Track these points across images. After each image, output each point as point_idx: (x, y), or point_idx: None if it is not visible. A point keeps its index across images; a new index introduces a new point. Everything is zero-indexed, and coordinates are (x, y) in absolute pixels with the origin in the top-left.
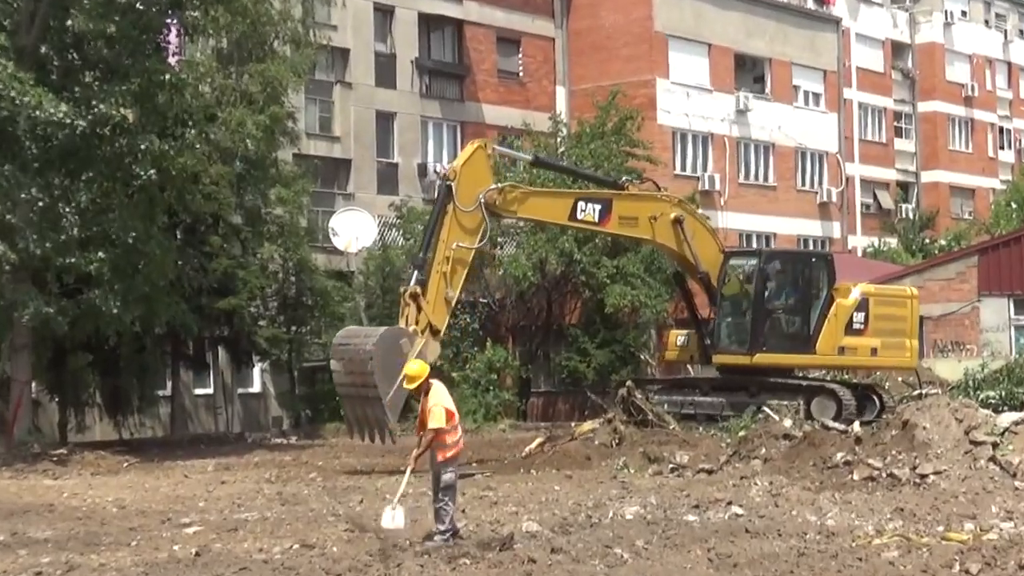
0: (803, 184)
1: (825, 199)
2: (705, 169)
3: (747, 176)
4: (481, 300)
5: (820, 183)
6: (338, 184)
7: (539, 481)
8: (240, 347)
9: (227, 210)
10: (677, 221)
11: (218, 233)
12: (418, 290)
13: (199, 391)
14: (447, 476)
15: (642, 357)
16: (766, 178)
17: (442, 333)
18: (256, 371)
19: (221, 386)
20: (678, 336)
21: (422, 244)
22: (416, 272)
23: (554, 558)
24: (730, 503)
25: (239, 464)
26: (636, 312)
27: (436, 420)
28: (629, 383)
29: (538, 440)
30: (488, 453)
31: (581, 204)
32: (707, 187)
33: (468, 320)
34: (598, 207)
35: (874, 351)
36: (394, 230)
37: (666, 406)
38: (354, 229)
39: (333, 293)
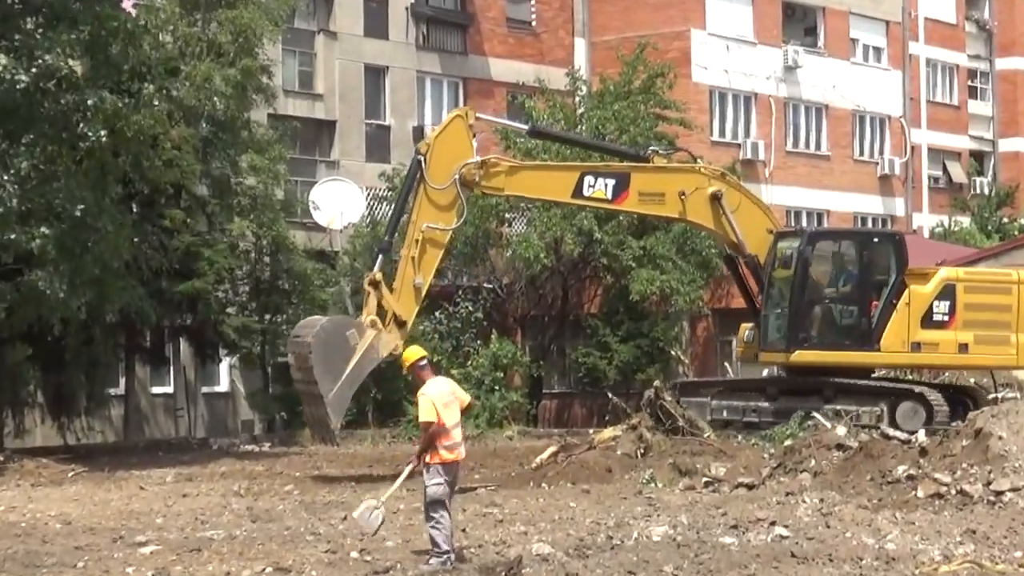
0: (861, 153)
1: (886, 171)
2: (747, 135)
3: (796, 143)
4: (486, 285)
5: (881, 152)
6: (320, 150)
7: (552, 496)
8: (205, 339)
9: (191, 179)
10: (715, 197)
11: (180, 206)
12: (380, 277)
13: (157, 390)
14: (431, 488)
15: (672, 353)
16: (818, 146)
17: (410, 324)
18: (223, 367)
19: (183, 384)
20: (746, 330)
21: (387, 226)
22: (380, 256)
23: None
24: (774, 523)
25: (203, 474)
26: (666, 300)
27: (420, 412)
28: (657, 384)
29: (551, 449)
30: (493, 463)
31: (589, 179)
32: (749, 156)
33: (470, 308)
34: (611, 182)
35: (963, 347)
36: (385, 203)
37: (725, 413)
38: (339, 202)
39: (314, 276)
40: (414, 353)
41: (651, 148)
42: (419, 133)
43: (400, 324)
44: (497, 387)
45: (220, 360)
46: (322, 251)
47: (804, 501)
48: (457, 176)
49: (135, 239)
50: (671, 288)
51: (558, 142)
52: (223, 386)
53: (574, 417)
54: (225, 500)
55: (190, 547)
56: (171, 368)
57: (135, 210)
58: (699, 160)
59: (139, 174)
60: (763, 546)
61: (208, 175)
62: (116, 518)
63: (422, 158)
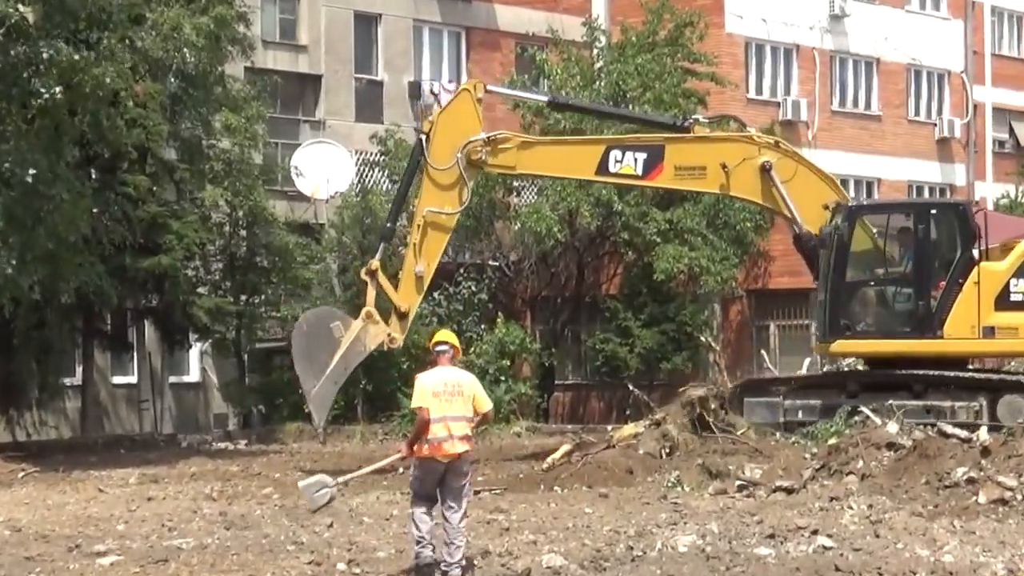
0: (916, 114)
1: (945, 133)
2: (787, 93)
3: (843, 102)
4: (491, 263)
5: (939, 112)
6: (304, 109)
7: (565, 501)
8: (173, 322)
9: (157, 141)
10: (765, 168)
11: (145, 172)
12: (376, 266)
13: (118, 379)
14: (410, 481)
15: (702, 339)
16: (868, 105)
17: (411, 316)
18: (194, 354)
19: (148, 373)
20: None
21: (389, 211)
22: (382, 245)
23: None
24: (816, 532)
25: (170, 475)
26: (695, 280)
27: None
28: (702, 392)
29: (564, 448)
30: (498, 464)
31: (615, 153)
32: (789, 116)
33: (473, 289)
34: (641, 156)
35: None
36: (377, 170)
37: (800, 413)
38: (324, 168)
39: (296, 252)
40: (435, 335)
41: (693, 117)
42: (415, 89)
43: (401, 316)
44: (503, 377)
45: (190, 346)
46: (306, 224)
47: (850, 507)
48: (460, 155)
49: (94, 209)
50: (700, 266)
51: (584, 114)
52: (193, 376)
53: (590, 412)
54: (195, 504)
55: (155, 557)
56: (134, 355)
57: (94, 176)
58: (749, 129)
59: (98, 135)
60: (803, 558)
61: (177, 137)
62: (72, 524)
63: (424, 137)
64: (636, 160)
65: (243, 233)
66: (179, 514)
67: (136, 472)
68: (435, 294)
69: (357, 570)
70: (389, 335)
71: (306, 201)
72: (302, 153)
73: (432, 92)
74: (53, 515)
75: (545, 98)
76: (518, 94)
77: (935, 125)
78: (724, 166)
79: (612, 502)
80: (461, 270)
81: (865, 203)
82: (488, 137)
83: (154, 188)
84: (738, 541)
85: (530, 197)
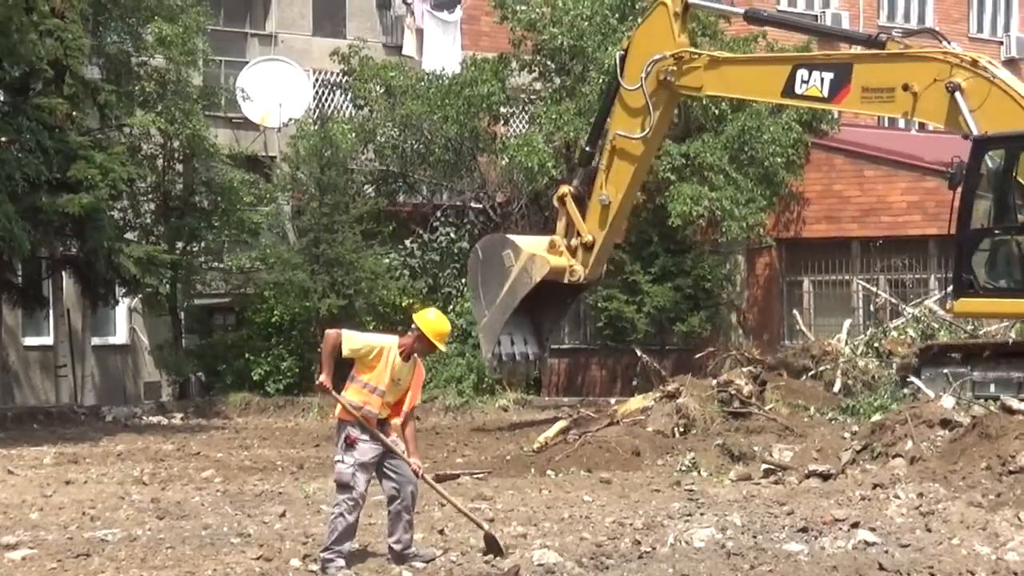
0: (979, 30)
1: (1014, 53)
2: (826, 5)
3: (892, 16)
4: (473, 205)
5: (1006, 29)
6: (252, 20)
7: (560, 487)
8: (96, 274)
9: (77, 57)
10: (949, 90)
11: (63, 94)
12: (567, 190)
13: (31, 341)
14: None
15: (723, 297)
16: (922, 19)
17: (599, 247)
18: (120, 311)
19: (66, 334)
20: None
21: (589, 134)
22: (580, 170)
23: None
24: (856, 525)
25: (93, 455)
26: (715, 227)
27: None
28: (750, 370)
29: (559, 424)
30: (482, 443)
31: (802, 72)
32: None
33: (452, 236)
34: (828, 76)
35: None
36: (338, 92)
37: (992, 387)
38: (276, 91)
39: (242, 191)
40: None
41: (889, 32)
42: None
43: (586, 247)
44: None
45: (116, 302)
46: (253, 156)
47: (897, 496)
48: (644, 74)
49: (2, 138)
50: (722, 210)
51: (782, 27)
52: (120, 337)
53: (590, 382)
54: (123, 489)
55: (75, 551)
56: (50, 312)
57: (1, 99)
58: (950, 44)
59: (6, 50)
60: (842, 555)
61: (101, 52)
62: None
63: (621, 54)
64: (823, 80)
65: (179, 168)
66: (103, 500)
67: (52, 451)
68: (407, 242)
69: (314, 567)
70: (571, 267)
71: (255, 130)
72: (250, 73)
73: (405, 1)
74: None
75: (741, 11)
76: (715, 6)
77: (1001, 43)
78: (907, 87)
79: (616, 489)
80: (438, 213)
81: (991, 135)
82: (675, 55)
83: (74, 113)
84: (764, 535)
85: (520, 126)
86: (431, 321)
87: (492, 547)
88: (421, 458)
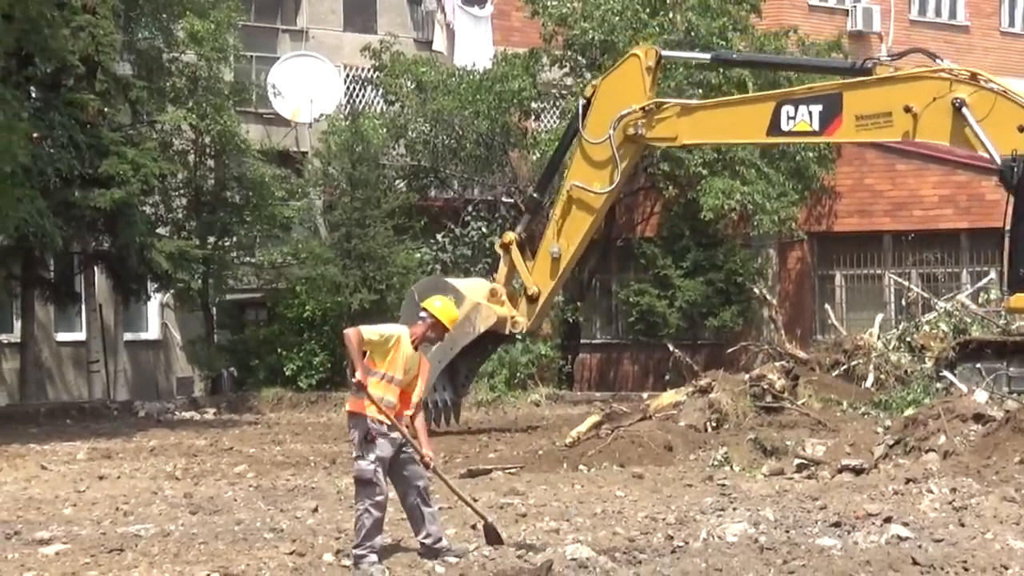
0: (1011, 24)
1: None
2: None
3: (923, 10)
4: (504, 199)
5: None
6: (283, 15)
7: (592, 482)
8: (128, 269)
9: (109, 54)
10: (955, 106)
11: (95, 90)
12: (512, 238)
13: (64, 336)
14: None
15: (755, 291)
16: (953, 13)
17: (543, 300)
18: (152, 307)
19: (99, 330)
20: None
21: (537, 180)
22: (525, 216)
23: None
24: (889, 520)
25: (126, 450)
26: (747, 221)
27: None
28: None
29: (592, 419)
30: (515, 438)
31: (787, 109)
32: (860, 26)
33: (483, 230)
34: (816, 108)
35: None
36: (369, 88)
37: None
38: (308, 87)
39: (274, 186)
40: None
41: (876, 57)
42: None
43: (530, 299)
44: (520, 336)
45: (148, 298)
46: (285, 152)
47: (930, 491)
48: (612, 131)
49: (33, 134)
50: (754, 204)
51: (750, 68)
52: (152, 333)
53: (622, 376)
54: (156, 484)
55: (108, 546)
56: (83, 308)
57: (33, 95)
58: (940, 61)
59: (38, 46)
60: (875, 550)
61: (132, 48)
62: (10, 507)
63: (584, 102)
64: (811, 114)
65: (211, 163)
66: (136, 495)
67: (85, 446)
68: (439, 236)
69: (347, 562)
70: (513, 318)
71: (286, 125)
72: (281, 68)
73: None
74: None
75: (707, 56)
76: (686, 55)
77: None
78: (908, 109)
79: (648, 483)
80: (469, 208)
81: None
82: (644, 107)
83: (105, 109)
84: (797, 530)
85: (551, 121)
86: (442, 308)
87: (492, 537)
88: (433, 450)
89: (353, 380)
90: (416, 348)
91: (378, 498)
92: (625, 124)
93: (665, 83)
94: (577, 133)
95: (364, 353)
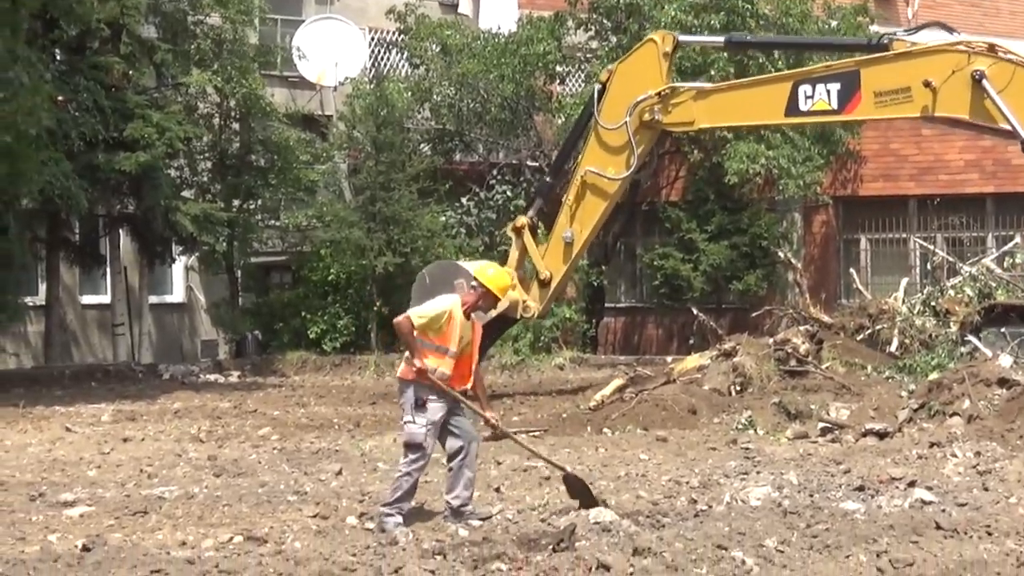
0: None
1: None
2: None
3: None
4: (529, 163)
5: None
6: None
7: (616, 445)
8: (153, 232)
9: (134, 17)
10: (975, 79)
11: (120, 53)
12: (525, 222)
13: (89, 299)
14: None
15: (780, 255)
16: None
17: (555, 285)
18: (177, 270)
19: (123, 292)
20: None
21: (552, 165)
22: (537, 200)
23: (638, 563)
24: (913, 484)
25: (150, 412)
26: (772, 185)
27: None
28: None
29: (615, 383)
30: (539, 402)
31: (805, 88)
32: None
33: (508, 194)
34: (834, 87)
35: None
36: (394, 51)
37: None
38: (332, 50)
39: (298, 149)
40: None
41: (893, 33)
42: None
43: (542, 283)
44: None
45: (173, 260)
46: (310, 115)
47: (954, 455)
48: (628, 116)
49: (59, 97)
50: (779, 168)
51: (765, 50)
52: (177, 295)
53: (646, 340)
54: (180, 447)
55: (133, 508)
56: (107, 271)
57: (58, 58)
58: (957, 34)
59: (63, 10)
60: (898, 514)
61: (157, 11)
62: (35, 469)
63: (599, 87)
64: (829, 92)
65: (236, 126)
66: (160, 458)
67: (110, 408)
68: (463, 200)
69: (370, 525)
70: (524, 302)
71: (311, 89)
72: (306, 31)
73: None
74: (12, 458)
75: (721, 40)
76: (702, 39)
77: None
78: (927, 84)
79: (672, 447)
80: (494, 171)
81: None
82: (659, 93)
83: (130, 72)
84: (821, 494)
85: (576, 85)
86: (493, 276)
87: (576, 491)
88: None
89: (415, 366)
90: (468, 317)
91: (422, 463)
92: (641, 110)
93: (684, 65)
94: (592, 118)
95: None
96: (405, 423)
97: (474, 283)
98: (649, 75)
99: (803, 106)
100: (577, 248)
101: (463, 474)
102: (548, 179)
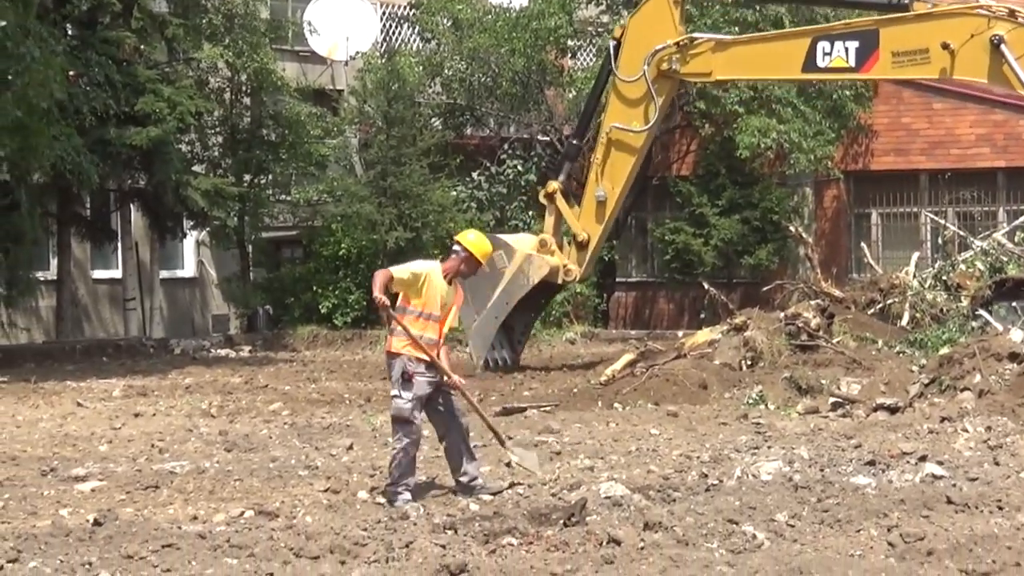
0: None
1: None
2: None
3: None
4: (540, 138)
5: None
6: None
7: (627, 420)
8: (164, 206)
9: None
10: (994, 43)
11: (131, 27)
12: (557, 187)
13: (100, 274)
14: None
15: (791, 229)
16: None
17: (594, 245)
18: (188, 244)
19: (135, 267)
20: None
21: (576, 126)
22: (566, 164)
23: (648, 538)
24: (924, 459)
25: (162, 387)
26: (783, 160)
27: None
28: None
29: (626, 357)
30: (550, 377)
31: (823, 44)
32: None
33: (519, 169)
34: (853, 45)
35: None
36: (406, 26)
37: None
38: (344, 24)
39: (309, 124)
40: (462, 237)
41: None
42: None
43: (580, 245)
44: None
45: (184, 235)
46: (321, 90)
47: (965, 430)
48: (647, 66)
49: (70, 72)
50: (790, 142)
51: (783, 3)
52: (188, 270)
53: (657, 314)
54: (191, 421)
55: (144, 483)
56: (119, 246)
57: (70, 32)
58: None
59: None
60: (909, 489)
61: None
62: (46, 444)
63: (614, 43)
64: (847, 50)
65: (247, 101)
66: (172, 433)
67: (121, 383)
68: (475, 174)
69: (381, 500)
70: (565, 266)
71: (322, 63)
72: (317, 5)
73: None
74: (24, 433)
75: None
76: None
77: None
78: (946, 46)
79: (683, 422)
80: (505, 146)
81: None
82: (678, 42)
83: (141, 47)
84: (832, 468)
85: (587, 59)
86: (475, 242)
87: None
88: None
89: (377, 298)
90: (450, 283)
91: (414, 436)
92: (659, 59)
93: (701, 20)
94: (610, 75)
95: (398, 295)
96: (392, 397)
97: (456, 247)
98: (663, 25)
99: (821, 62)
100: (611, 206)
101: (461, 450)
102: (574, 141)
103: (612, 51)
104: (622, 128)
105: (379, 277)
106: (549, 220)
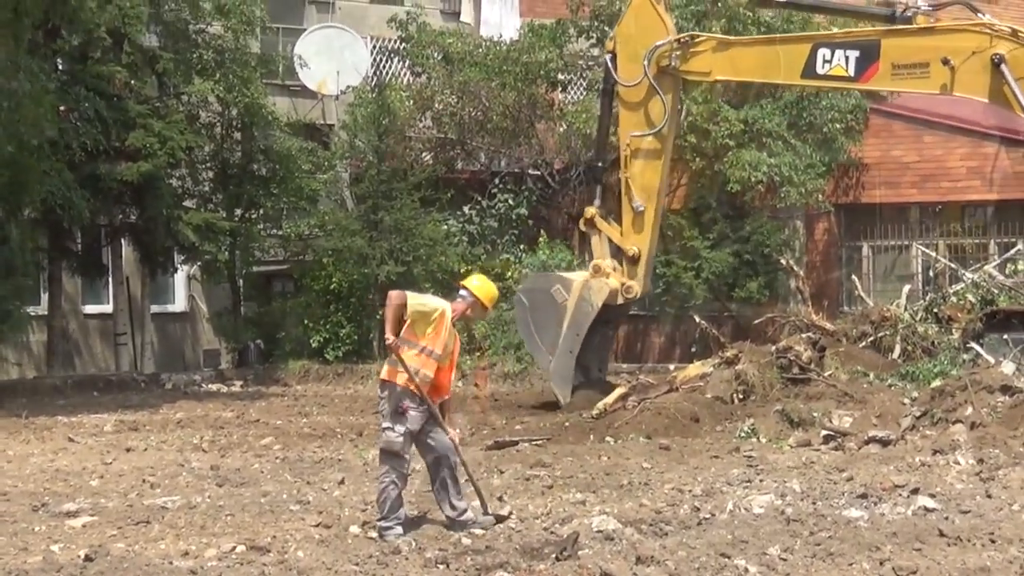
0: None
1: None
2: None
3: None
4: (531, 172)
5: None
6: None
7: (618, 454)
8: (155, 241)
9: (136, 25)
10: (994, 62)
11: (122, 62)
12: (594, 212)
13: (91, 309)
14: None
15: (782, 262)
16: None
17: (645, 258)
18: (179, 279)
19: (126, 302)
20: None
21: (595, 146)
22: (598, 188)
23: (641, 572)
24: (916, 491)
25: (153, 422)
26: (774, 193)
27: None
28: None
29: (618, 391)
30: (540, 410)
31: (824, 52)
32: None
33: (510, 202)
34: (854, 54)
35: None
36: (396, 59)
37: None
38: (334, 58)
39: (300, 158)
40: (469, 283)
41: (917, 7)
42: None
43: (632, 260)
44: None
45: (175, 270)
46: (312, 124)
47: (957, 462)
48: (647, 64)
49: (60, 106)
50: (781, 175)
51: (789, 9)
52: (179, 305)
53: (649, 348)
54: (182, 456)
55: (135, 518)
56: (109, 280)
57: (60, 67)
58: (982, 15)
59: (65, 18)
60: (901, 521)
61: (159, 20)
62: (38, 479)
63: (610, 57)
64: (847, 59)
65: (237, 136)
66: (163, 468)
67: (112, 418)
68: (465, 208)
69: (373, 534)
70: (624, 284)
71: (312, 97)
72: (307, 40)
73: None
74: (14, 468)
75: None
76: None
77: None
78: (946, 62)
79: (675, 455)
80: (496, 180)
81: None
82: (679, 39)
83: (132, 82)
84: (824, 501)
85: (578, 93)
86: (482, 287)
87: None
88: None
89: (388, 341)
90: (454, 326)
91: (403, 470)
92: (659, 56)
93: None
94: (613, 89)
95: (404, 322)
96: (384, 429)
97: (463, 292)
98: (650, 21)
99: (820, 69)
100: (651, 215)
101: (448, 486)
102: (598, 164)
103: (610, 64)
104: (640, 135)
105: (394, 302)
106: (597, 245)
